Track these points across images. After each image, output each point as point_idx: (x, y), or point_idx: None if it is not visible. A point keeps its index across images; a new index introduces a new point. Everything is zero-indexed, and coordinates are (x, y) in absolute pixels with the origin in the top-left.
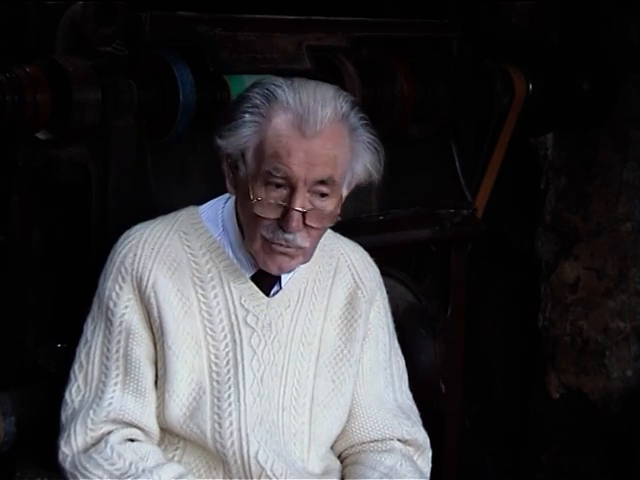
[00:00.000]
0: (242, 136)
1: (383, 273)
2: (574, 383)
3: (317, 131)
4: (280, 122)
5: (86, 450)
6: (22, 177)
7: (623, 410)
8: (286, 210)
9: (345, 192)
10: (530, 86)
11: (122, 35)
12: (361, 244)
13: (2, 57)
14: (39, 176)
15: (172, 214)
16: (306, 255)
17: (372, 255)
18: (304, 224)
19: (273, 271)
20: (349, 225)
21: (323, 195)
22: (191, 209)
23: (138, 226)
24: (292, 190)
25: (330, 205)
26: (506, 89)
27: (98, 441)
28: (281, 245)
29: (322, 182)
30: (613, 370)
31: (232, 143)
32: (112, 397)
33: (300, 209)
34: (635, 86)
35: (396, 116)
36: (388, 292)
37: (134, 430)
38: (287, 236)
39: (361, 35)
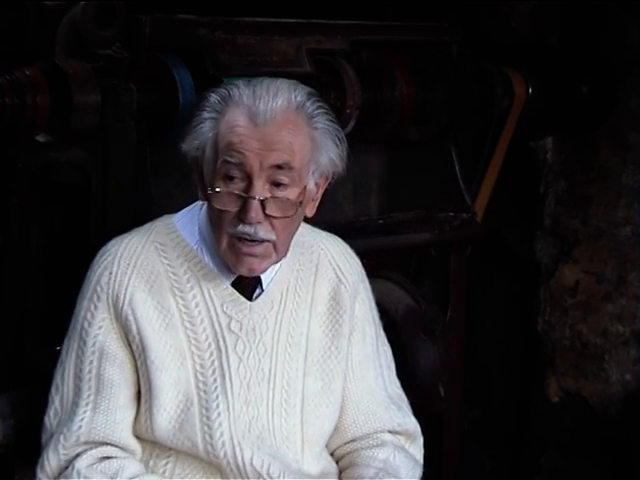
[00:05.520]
0: (200, 134)
1: (382, 276)
2: (573, 387)
3: (268, 119)
4: (232, 115)
5: (59, 476)
6: (22, 179)
7: (622, 414)
8: (245, 201)
9: (312, 184)
10: (530, 89)
11: (122, 38)
12: (360, 247)
13: (2, 59)
14: (39, 178)
15: (147, 225)
16: (279, 251)
17: (371, 258)
18: (265, 215)
19: (243, 273)
20: (348, 228)
21: (282, 184)
22: (165, 219)
23: (113, 241)
24: (249, 180)
25: (291, 194)
26: (506, 92)
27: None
28: (245, 241)
29: (279, 168)
30: (612, 374)
31: (192, 143)
32: (82, 419)
33: (257, 197)
34: (635, 90)
35: (396, 119)
36: (387, 295)
37: (107, 448)
38: (248, 229)
39: (361, 38)
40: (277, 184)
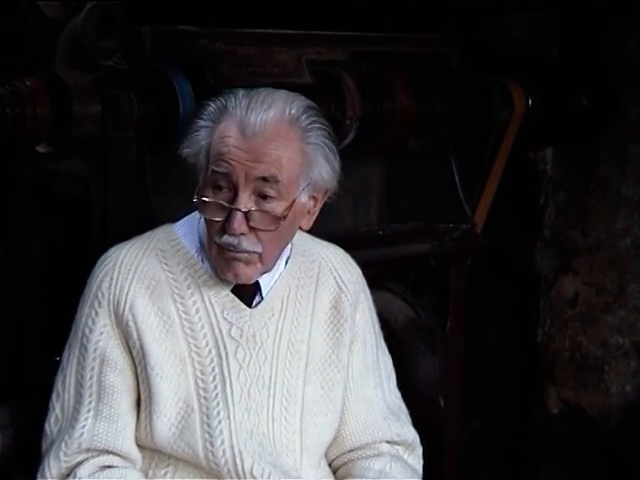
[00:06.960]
0: (195, 142)
1: (382, 287)
2: (573, 398)
3: (257, 131)
4: (226, 125)
5: None
6: (22, 190)
7: (622, 425)
8: (230, 211)
9: (304, 198)
10: (529, 101)
11: (122, 49)
12: (360, 258)
13: (2, 70)
14: (39, 189)
15: (148, 233)
16: (264, 263)
17: (371, 269)
18: (249, 227)
19: (230, 278)
20: (348, 239)
21: (268, 197)
22: (166, 227)
23: (114, 248)
24: (235, 191)
25: (278, 207)
26: (505, 104)
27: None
28: (230, 250)
29: (265, 181)
30: (612, 385)
31: (189, 150)
32: (84, 426)
33: (241, 209)
34: (634, 101)
35: (395, 130)
36: (387, 306)
37: (109, 457)
38: (232, 240)
39: (361, 49)
40: (263, 196)
